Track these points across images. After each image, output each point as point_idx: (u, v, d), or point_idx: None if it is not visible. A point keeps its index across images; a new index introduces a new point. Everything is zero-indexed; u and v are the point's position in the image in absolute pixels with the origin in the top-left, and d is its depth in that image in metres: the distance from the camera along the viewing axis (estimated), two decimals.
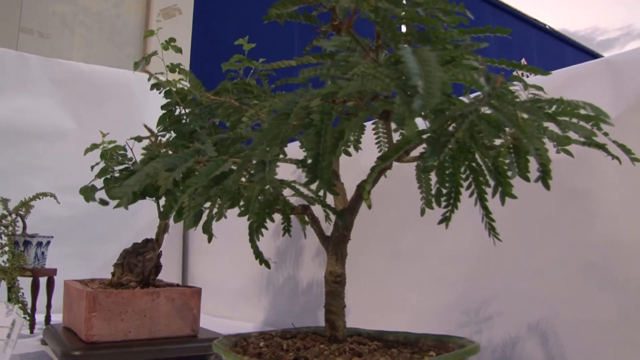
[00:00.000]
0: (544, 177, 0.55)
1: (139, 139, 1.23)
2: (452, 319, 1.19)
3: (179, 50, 1.25)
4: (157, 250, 1.25)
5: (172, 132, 1.18)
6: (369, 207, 0.60)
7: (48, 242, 1.50)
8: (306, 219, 0.73)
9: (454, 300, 1.19)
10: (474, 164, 0.57)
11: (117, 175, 1.16)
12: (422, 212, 0.70)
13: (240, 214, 0.64)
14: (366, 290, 1.40)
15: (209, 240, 0.73)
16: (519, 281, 1.08)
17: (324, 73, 0.53)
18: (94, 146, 1.19)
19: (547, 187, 0.54)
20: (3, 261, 1.38)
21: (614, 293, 0.93)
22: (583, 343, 0.95)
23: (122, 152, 1.18)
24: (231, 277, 1.85)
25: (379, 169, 0.62)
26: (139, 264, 1.23)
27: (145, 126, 0.76)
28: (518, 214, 1.07)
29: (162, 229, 1.27)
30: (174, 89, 1.21)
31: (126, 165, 1.14)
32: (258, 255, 0.70)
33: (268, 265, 0.71)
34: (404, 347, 0.64)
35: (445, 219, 0.58)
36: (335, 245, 0.69)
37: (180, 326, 1.23)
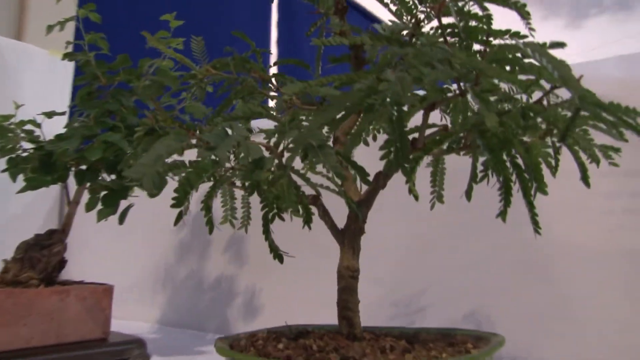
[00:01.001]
0: (585, 177, 0.58)
1: (50, 115, 1.05)
2: (381, 312, 1.20)
3: (98, 18, 1.10)
4: (64, 243, 1.08)
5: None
6: (416, 198, 0.58)
7: None
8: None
9: (383, 294, 1.21)
10: (517, 160, 0.58)
11: (25, 155, 0.98)
12: (432, 207, 0.70)
13: (275, 204, 0.57)
14: (288, 285, 1.36)
15: (210, 232, 0.65)
16: (452, 274, 1.14)
17: (408, 57, 0.50)
18: None
19: (587, 184, 0.58)
20: None
21: (546, 287, 1.02)
22: (516, 334, 1.03)
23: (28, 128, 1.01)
24: (119, 273, 1.67)
25: (420, 160, 0.60)
26: (43, 259, 1.04)
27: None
28: (453, 209, 1.12)
29: (71, 217, 1.10)
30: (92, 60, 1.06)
31: (40, 144, 0.96)
32: (274, 249, 0.63)
33: (281, 260, 0.64)
34: (430, 342, 0.63)
35: (502, 213, 0.58)
36: (352, 238, 0.66)
37: (91, 329, 1.08)
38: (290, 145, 0.53)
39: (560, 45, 0.45)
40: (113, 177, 1.06)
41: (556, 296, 1.00)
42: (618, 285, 0.95)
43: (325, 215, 0.67)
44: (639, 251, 0.94)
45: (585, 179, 0.58)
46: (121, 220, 1.09)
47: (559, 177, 1.01)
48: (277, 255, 0.64)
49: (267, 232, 0.62)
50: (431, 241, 1.18)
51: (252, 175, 0.51)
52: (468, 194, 0.61)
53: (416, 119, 0.62)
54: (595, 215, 0.99)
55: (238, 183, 0.73)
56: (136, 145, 0.59)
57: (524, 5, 0.52)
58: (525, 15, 0.51)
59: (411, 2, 0.59)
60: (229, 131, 0.56)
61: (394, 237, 1.22)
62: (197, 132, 0.58)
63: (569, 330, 0.97)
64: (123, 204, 1.05)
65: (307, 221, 0.61)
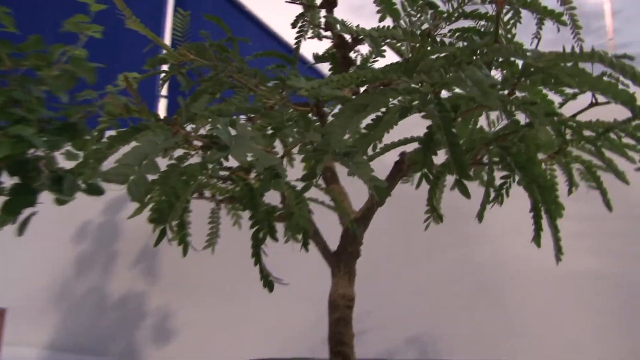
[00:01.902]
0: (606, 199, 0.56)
1: None
2: (317, 334, 1.13)
3: None
4: None
5: None
6: (441, 218, 0.52)
7: None
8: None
9: (318, 318, 1.14)
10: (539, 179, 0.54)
11: None
12: (426, 227, 0.64)
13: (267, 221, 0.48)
14: (209, 308, 1.24)
15: (184, 254, 0.53)
16: (398, 297, 1.09)
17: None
18: None
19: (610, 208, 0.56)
20: None
21: (497, 309, 1.01)
22: (467, 355, 1.01)
23: None
24: (5, 290, 1.43)
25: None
26: None
27: (126, 77, 0.49)
28: (404, 231, 1.08)
29: None
30: None
31: None
32: (265, 275, 0.53)
33: (271, 288, 0.54)
34: None
35: (536, 238, 0.54)
36: (348, 262, 0.57)
37: None
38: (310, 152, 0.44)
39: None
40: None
41: (507, 317, 1.00)
42: (567, 306, 0.96)
43: (316, 234, 0.58)
44: (586, 273, 0.96)
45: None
46: (21, 230, 0.92)
47: (510, 199, 1.01)
48: (268, 282, 0.54)
49: (258, 254, 0.52)
50: (377, 263, 1.13)
51: (272, 184, 0.42)
52: (480, 216, 0.56)
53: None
54: (545, 237, 1.00)
55: (207, 194, 0.62)
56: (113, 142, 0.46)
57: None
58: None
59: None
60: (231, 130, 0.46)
61: None
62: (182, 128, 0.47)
63: (520, 351, 0.97)
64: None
65: (305, 243, 0.52)
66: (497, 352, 0.99)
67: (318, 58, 0.68)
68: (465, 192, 0.42)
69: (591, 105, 0.50)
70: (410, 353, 1.05)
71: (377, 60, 0.68)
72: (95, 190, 0.89)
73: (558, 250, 0.54)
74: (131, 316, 1.32)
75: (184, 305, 1.29)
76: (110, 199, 1.40)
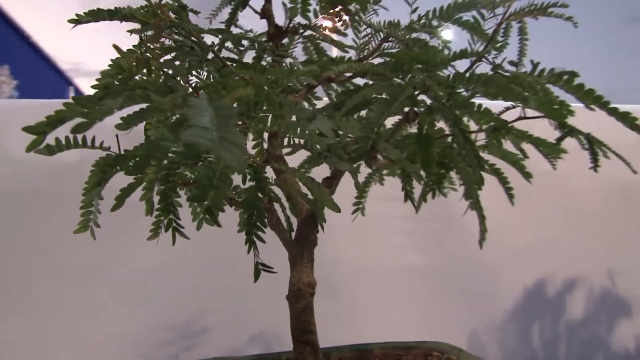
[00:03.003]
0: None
1: None
2: (153, 338, 1.04)
3: None
4: None
5: None
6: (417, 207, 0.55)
7: None
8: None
9: (155, 320, 1.05)
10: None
11: None
12: (354, 220, 0.67)
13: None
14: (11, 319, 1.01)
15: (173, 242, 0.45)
16: (234, 298, 1.08)
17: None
18: None
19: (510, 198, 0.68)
20: None
21: (331, 302, 1.09)
22: None
23: None
24: None
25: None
26: None
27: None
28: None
29: None
30: None
31: None
32: (256, 264, 0.48)
33: (256, 277, 0.49)
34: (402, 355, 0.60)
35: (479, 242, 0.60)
36: (310, 250, 0.57)
37: None
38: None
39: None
40: None
41: (342, 310, 1.08)
42: (394, 297, 1.10)
43: (278, 223, 0.57)
44: (411, 267, 1.12)
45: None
46: None
47: (345, 201, 1.12)
48: (257, 271, 0.49)
49: (251, 241, 0.48)
50: (212, 259, 1.09)
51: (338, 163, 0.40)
52: (418, 207, 0.62)
53: None
54: (376, 236, 1.13)
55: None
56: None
57: None
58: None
59: None
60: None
61: (169, 259, 1.08)
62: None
63: (355, 332, 1.06)
64: None
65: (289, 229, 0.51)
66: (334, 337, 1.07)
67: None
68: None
69: (519, 118, 0.61)
70: (255, 349, 1.05)
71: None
72: None
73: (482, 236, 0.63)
74: None
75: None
76: None
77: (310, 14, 0.66)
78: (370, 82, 0.55)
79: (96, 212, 0.56)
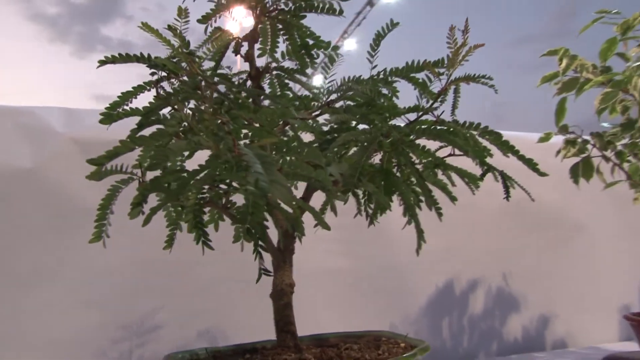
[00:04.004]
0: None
1: None
2: (104, 337, 1.10)
3: None
4: None
5: None
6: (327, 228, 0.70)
7: None
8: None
9: (105, 320, 1.12)
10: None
11: None
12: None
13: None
14: None
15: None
16: (179, 297, 1.17)
17: None
18: None
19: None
20: None
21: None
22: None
23: None
24: None
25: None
26: None
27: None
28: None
29: None
30: None
31: None
32: (260, 269, 0.60)
33: (258, 279, 0.61)
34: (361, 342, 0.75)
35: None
36: (290, 254, 0.71)
37: None
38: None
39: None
40: None
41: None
42: (323, 295, 1.25)
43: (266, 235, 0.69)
44: (338, 270, 1.28)
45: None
46: None
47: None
48: (259, 274, 0.62)
49: (255, 243, 0.60)
50: (156, 264, 1.17)
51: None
52: (371, 222, 0.78)
53: None
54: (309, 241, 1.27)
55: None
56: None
57: None
58: None
59: None
60: None
61: (118, 261, 1.15)
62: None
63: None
64: None
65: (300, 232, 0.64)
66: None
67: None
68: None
69: (450, 155, 0.78)
70: (203, 343, 1.15)
71: None
72: None
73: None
74: None
75: None
76: None
77: (278, 55, 0.80)
78: (345, 127, 0.69)
79: (107, 225, 0.65)
